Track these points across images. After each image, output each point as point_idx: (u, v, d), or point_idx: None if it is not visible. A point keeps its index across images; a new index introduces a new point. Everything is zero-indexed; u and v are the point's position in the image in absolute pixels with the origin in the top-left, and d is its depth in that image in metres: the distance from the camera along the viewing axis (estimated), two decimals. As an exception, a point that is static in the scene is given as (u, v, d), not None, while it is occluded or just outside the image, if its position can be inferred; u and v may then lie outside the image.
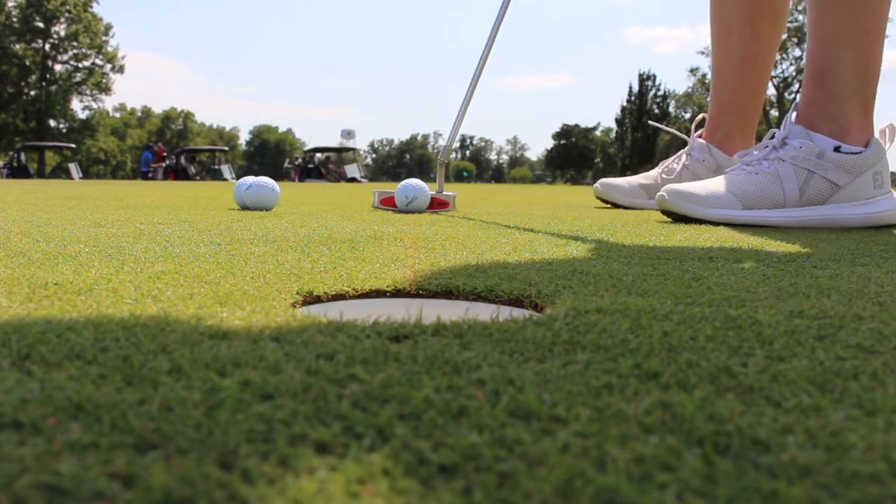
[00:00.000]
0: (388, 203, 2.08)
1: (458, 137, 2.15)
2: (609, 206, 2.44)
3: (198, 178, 19.90)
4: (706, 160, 2.17)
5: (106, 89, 32.59)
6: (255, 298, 0.57)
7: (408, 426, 0.30)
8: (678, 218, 1.63)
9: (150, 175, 19.49)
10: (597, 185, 2.49)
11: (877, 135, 1.61)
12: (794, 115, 1.62)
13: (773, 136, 1.63)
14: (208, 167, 22.62)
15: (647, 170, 2.76)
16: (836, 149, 1.54)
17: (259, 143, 66.88)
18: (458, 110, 2.13)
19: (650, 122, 3.15)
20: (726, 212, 1.57)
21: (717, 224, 1.53)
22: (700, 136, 2.21)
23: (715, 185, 1.63)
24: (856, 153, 1.55)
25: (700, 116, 2.25)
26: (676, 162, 2.28)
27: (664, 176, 2.29)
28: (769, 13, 1.98)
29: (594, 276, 0.71)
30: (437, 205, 2.04)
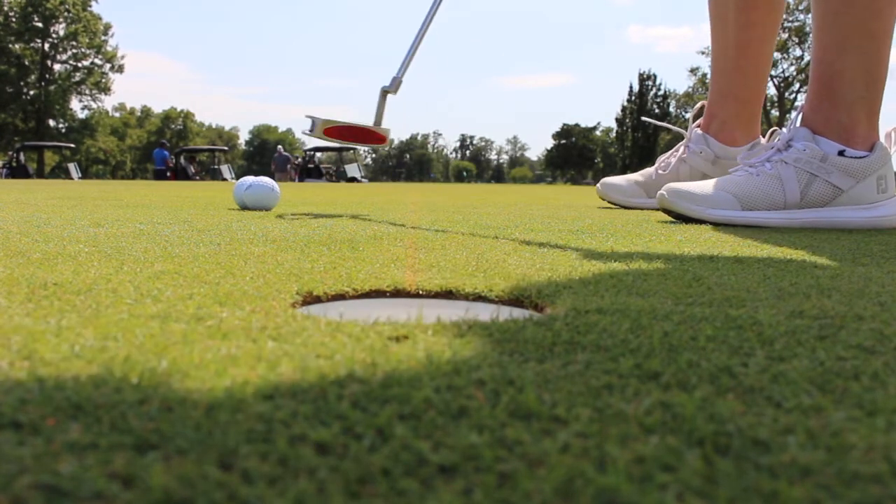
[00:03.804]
0: (331, 134, 1.91)
1: (407, 70, 1.97)
2: (612, 206, 2.39)
3: (197, 178, 19.85)
4: (703, 152, 2.12)
5: (105, 89, 32.57)
6: (255, 298, 0.57)
7: (408, 426, 0.30)
8: (678, 217, 1.63)
9: (168, 174, 19.23)
10: (598, 185, 2.45)
11: (882, 139, 1.60)
12: (799, 117, 1.61)
13: (777, 138, 1.63)
14: (208, 167, 22.58)
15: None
16: (841, 153, 1.54)
17: (259, 142, 66.82)
18: (412, 42, 1.99)
19: (645, 119, 3.11)
20: (725, 212, 1.57)
21: (716, 224, 1.53)
22: (698, 127, 2.16)
23: (715, 185, 1.63)
24: (860, 157, 1.55)
25: (699, 105, 2.20)
26: (673, 156, 2.23)
27: (660, 171, 2.24)
28: (763, 2, 1.97)
29: (594, 276, 0.71)
30: (376, 139, 1.91)
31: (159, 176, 19.19)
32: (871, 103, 1.57)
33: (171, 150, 21.11)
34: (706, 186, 1.63)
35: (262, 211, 1.84)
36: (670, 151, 2.28)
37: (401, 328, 0.46)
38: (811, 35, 1.64)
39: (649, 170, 2.35)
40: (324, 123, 1.88)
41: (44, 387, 0.33)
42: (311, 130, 1.87)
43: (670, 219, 1.68)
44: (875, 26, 1.54)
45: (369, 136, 1.90)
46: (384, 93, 1.93)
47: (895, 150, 1.63)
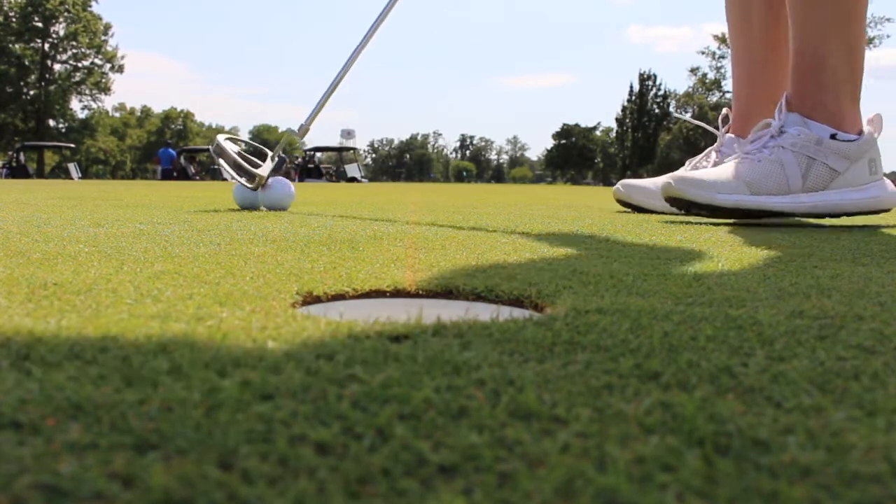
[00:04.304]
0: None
1: (315, 119, 2.08)
2: (626, 209, 2.20)
3: (197, 178, 19.83)
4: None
5: (105, 89, 32.55)
6: (255, 298, 0.57)
7: (408, 426, 0.30)
8: (683, 205, 1.62)
9: (175, 174, 19.11)
10: (618, 186, 2.26)
11: (865, 124, 1.64)
12: (785, 104, 1.64)
13: (765, 126, 1.67)
14: (208, 167, 22.58)
15: (648, 170, 2.60)
16: (833, 136, 1.58)
17: (259, 142, 66.68)
18: (321, 98, 2.09)
19: (676, 117, 3.01)
20: (735, 197, 1.57)
21: (725, 210, 1.55)
22: (728, 132, 2.06)
23: (722, 171, 1.64)
24: (851, 140, 1.58)
25: (724, 111, 2.11)
26: (706, 160, 2.11)
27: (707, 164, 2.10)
28: None
29: (594, 276, 0.71)
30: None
31: (166, 175, 19.15)
32: (854, 87, 1.61)
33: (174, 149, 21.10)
34: (713, 173, 1.64)
35: (275, 211, 1.84)
36: (701, 155, 2.18)
37: (401, 328, 0.46)
38: (790, 22, 1.66)
39: (678, 173, 2.25)
40: (259, 178, 1.98)
41: (43, 387, 0.33)
42: (251, 184, 1.97)
43: (670, 219, 1.68)
44: (852, 8, 1.57)
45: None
46: (290, 131, 2.09)
47: (879, 135, 1.67)
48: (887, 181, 1.68)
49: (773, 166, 1.59)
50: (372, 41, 2.08)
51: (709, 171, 1.67)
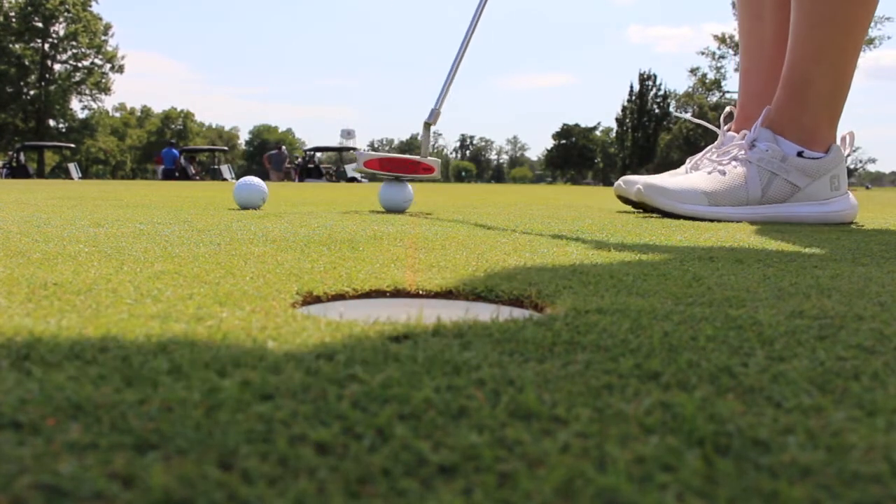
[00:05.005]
0: (372, 166, 1.96)
1: (445, 100, 1.99)
2: (630, 206, 2.18)
3: (197, 178, 19.82)
4: None
5: (105, 89, 32.53)
6: (255, 298, 0.57)
7: (408, 426, 0.30)
8: (653, 210, 1.80)
9: (177, 174, 19.06)
10: (619, 182, 2.24)
11: (838, 141, 1.77)
12: (761, 119, 1.77)
13: (744, 137, 1.81)
14: (208, 167, 22.57)
15: (648, 170, 2.60)
16: (800, 154, 1.73)
17: (259, 142, 66.63)
18: (447, 76, 2.03)
19: (678, 116, 3.00)
20: (695, 207, 1.74)
21: (687, 217, 1.70)
22: (729, 130, 2.04)
23: (688, 181, 1.80)
24: (816, 158, 1.73)
25: (728, 109, 2.11)
26: (705, 157, 2.06)
27: (693, 171, 2.08)
28: None
29: (594, 276, 0.71)
30: (423, 170, 1.95)
31: (168, 175, 19.11)
32: (834, 110, 1.75)
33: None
34: (680, 183, 1.80)
35: (394, 213, 1.84)
36: (702, 153, 2.14)
37: (401, 328, 0.46)
38: (789, 41, 1.75)
39: (679, 170, 2.20)
40: (365, 156, 1.94)
41: (43, 387, 0.33)
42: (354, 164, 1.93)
43: (670, 219, 1.70)
44: (845, 43, 1.69)
45: (416, 167, 1.95)
46: (426, 125, 1.98)
47: (849, 152, 1.81)
48: (851, 196, 1.81)
49: (736, 180, 1.74)
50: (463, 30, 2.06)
51: (679, 179, 1.81)
